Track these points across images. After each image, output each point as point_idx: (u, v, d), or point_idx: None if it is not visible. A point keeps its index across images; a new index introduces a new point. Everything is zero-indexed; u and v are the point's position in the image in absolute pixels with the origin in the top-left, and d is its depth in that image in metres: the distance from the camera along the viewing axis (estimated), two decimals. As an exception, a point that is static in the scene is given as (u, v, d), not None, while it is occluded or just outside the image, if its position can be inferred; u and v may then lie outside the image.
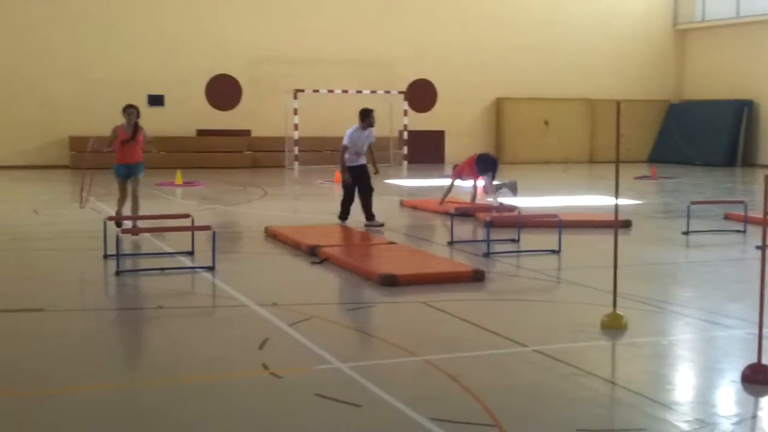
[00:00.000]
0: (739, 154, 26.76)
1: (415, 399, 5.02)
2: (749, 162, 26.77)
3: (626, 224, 12.11)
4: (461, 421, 4.70)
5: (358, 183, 12.39)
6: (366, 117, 12.44)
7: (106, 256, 9.26)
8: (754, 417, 4.95)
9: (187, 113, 24.16)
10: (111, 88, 23.45)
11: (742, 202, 12.63)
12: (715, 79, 28.13)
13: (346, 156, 12.25)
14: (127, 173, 11.31)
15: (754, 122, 26.95)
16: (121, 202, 11.31)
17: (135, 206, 11.27)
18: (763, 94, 26.71)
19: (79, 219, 12.73)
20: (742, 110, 26.80)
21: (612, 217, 12.00)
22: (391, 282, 8.12)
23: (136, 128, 11.30)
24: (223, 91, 24.49)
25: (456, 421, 4.70)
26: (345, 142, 12.27)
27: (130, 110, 11.38)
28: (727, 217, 13.05)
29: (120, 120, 11.46)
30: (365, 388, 5.25)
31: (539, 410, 4.98)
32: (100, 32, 23.72)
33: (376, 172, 12.79)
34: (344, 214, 12.47)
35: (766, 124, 26.79)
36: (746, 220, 11.89)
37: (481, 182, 14.18)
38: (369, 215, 12.40)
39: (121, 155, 11.31)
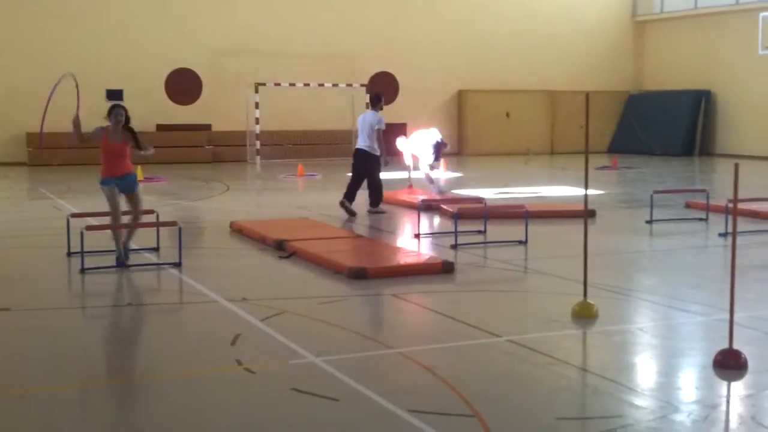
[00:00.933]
0: (697, 144, 27.12)
1: (392, 391, 5.01)
2: (707, 151, 27.15)
3: (591, 214, 12.17)
4: (440, 413, 4.70)
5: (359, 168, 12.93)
6: (379, 101, 12.99)
7: (69, 254, 9.12)
8: (728, 401, 5.01)
9: (147, 108, 23.81)
10: (68, 82, 23.05)
11: (704, 190, 12.79)
12: (674, 69, 28.46)
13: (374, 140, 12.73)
14: (121, 188, 9.11)
15: (712, 112, 27.32)
16: (115, 218, 8.98)
17: (131, 232, 9.08)
18: (720, 85, 27.09)
19: (41, 216, 12.53)
20: (700, 100, 27.15)
21: (577, 207, 12.17)
22: (360, 275, 8.09)
23: (131, 133, 9.31)
24: (183, 85, 24.23)
25: (435, 413, 4.69)
26: (381, 126, 12.65)
27: (117, 111, 9.29)
28: (688, 206, 13.22)
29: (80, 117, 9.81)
30: (341, 381, 5.23)
31: (517, 400, 4.99)
32: (60, 24, 23.27)
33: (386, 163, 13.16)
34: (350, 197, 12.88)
35: (723, 114, 27.19)
36: (708, 209, 12.04)
37: (425, 164, 15.23)
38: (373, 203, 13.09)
39: (107, 166, 9.20)
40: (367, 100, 25.26)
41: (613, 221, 12.43)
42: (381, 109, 12.94)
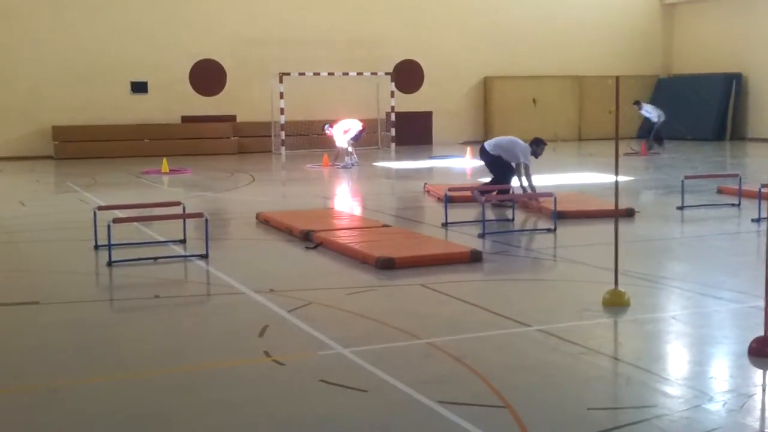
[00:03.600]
0: (728, 128, 26.76)
1: (421, 382, 4.95)
2: (739, 135, 26.80)
3: (629, 213, 11.06)
4: (471, 403, 4.63)
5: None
6: (538, 146, 12.48)
7: (97, 247, 9.14)
8: (764, 390, 4.91)
9: (172, 100, 23.92)
10: (94, 76, 23.20)
11: (736, 175, 12.59)
12: (704, 52, 28.09)
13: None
14: None
15: (743, 95, 26.95)
16: None
17: None
18: (751, 67, 26.70)
19: (68, 209, 12.59)
20: (731, 83, 26.78)
21: (610, 206, 11.85)
22: (388, 265, 8.03)
23: None
24: (208, 76, 24.26)
25: (465, 403, 4.63)
26: (526, 160, 12.18)
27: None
28: (720, 191, 13.02)
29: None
30: (370, 372, 5.18)
31: (548, 390, 4.92)
32: (83, 17, 23.36)
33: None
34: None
35: (754, 97, 26.80)
36: (740, 194, 11.85)
37: (345, 142, 19.11)
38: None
39: None
40: (392, 88, 25.21)
41: (643, 208, 12.26)
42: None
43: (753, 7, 26.46)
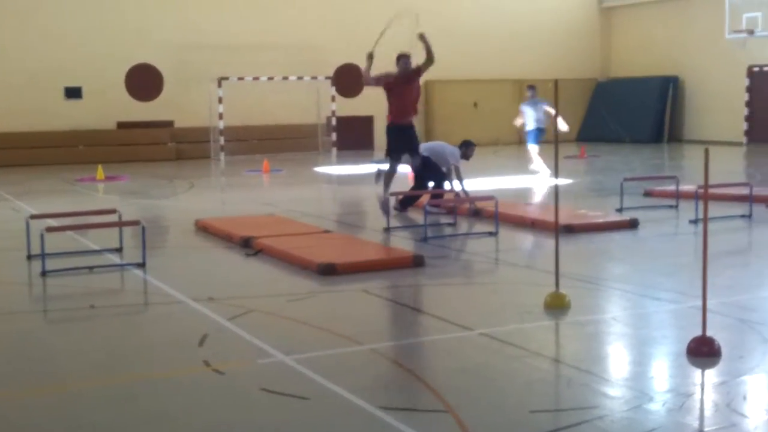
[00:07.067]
0: (666, 130, 27.27)
1: (363, 388, 4.90)
2: (676, 138, 27.32)
3: (568, 230, 10.07)
4: (413, 408, 4.60)
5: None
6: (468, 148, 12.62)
7: (30, 257, 8.88)
8: (702, 389, 4.96)
9: (107, 105, 23.44)
10: (25, 81, 22.64)
11: (674, 177, 12.80)
12: (642, 56, 28.57)
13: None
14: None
15: (680, 98, 27.49)
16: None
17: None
18: (687, 70, 27.25)
19: None
20: (668, 86, 27.29)
21: (557, 221, 11.96)
22: (329, 271, 7.96)
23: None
24: (144, 81, 23.74)
25: (407, 409, 4.59)
26: (456, 162, 12.26)
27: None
28: (651, 194, 13.19)
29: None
30: (311, 380, 5.11)
31: (491, 394, 4.90)
32: (12, 22, 22.78)
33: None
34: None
35: (691, 100, 27.36)
36: (678, 195, 12.04)
37: None
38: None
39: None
40: (333, 93, 25.09)
41: (579, 209, 12.36)
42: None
43: (689, 11, 27.02)
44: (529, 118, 17.75)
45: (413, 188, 12.40)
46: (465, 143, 12.64)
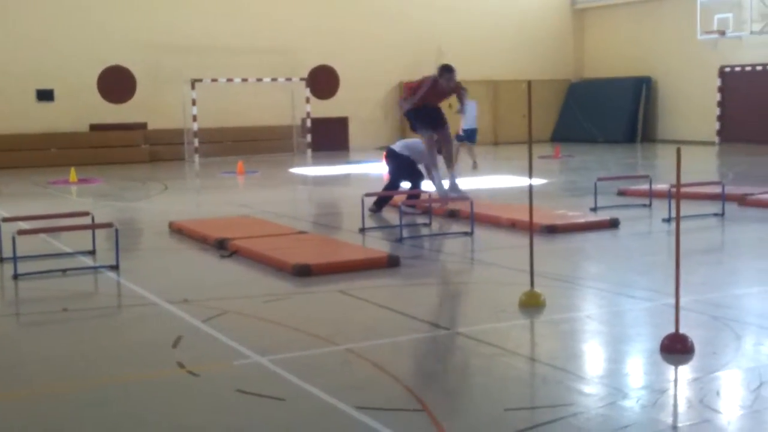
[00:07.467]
0: (639, 130, 27.48)
1: (339, 389, 4.89)
2: (649, 138, 27.54)
3: (551, 230, 10.19)
4: (389, 408, 4.59)
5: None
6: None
7: (1, 260, 8.79)
8: (676, 385, 5.00)
9: (79, 107, 23.27)
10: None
11: (647, 176, 12.89)
12: (614, 57, 28.79)
13: None
14: None
15: (653, 98, 27.73)
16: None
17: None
18: (660, 71, 27.48)
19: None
20: (641, 87, 27.51)
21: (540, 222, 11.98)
22: (304, 272, 7.94)
23: None
24: (117, 83, 23.59)
25: (383, 408, 4.58)
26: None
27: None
28: (624, 193, 13.28)
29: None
30: (287, 381, 5.09)
31: (466, 392, 4.91)
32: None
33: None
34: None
35: (664, 100, 27.60)
36: (651, 194, 12.13)
37: None
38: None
39: None
40: (308, 94, 25.06)
41: (557, 210, 12.42)
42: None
43: (661, 13, 27.26)
44: (469, 116, 18.47)
45: (386, 188, 12.38)
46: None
